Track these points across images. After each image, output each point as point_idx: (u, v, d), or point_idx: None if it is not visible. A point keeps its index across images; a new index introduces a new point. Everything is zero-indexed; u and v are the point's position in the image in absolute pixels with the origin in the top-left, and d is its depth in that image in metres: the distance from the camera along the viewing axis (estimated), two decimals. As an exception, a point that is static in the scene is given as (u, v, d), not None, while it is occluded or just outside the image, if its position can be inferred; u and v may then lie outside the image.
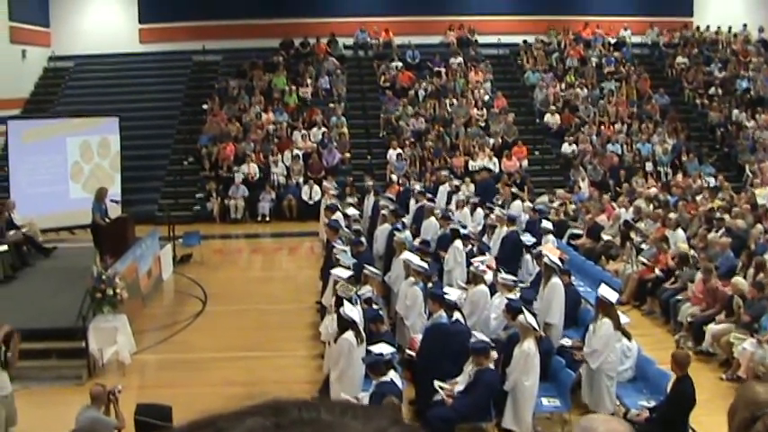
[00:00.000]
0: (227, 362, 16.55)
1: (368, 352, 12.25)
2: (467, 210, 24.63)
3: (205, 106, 35.45)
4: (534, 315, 13.79)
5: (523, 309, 13.26)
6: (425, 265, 16.48)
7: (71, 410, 11.25)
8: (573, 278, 17.48)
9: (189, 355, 17.05)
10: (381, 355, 12.01)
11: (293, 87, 36.51)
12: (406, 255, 17.29)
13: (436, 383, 12.71)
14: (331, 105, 35.57)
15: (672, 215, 22.97)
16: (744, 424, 2.11)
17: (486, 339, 13.07)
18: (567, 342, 14.88)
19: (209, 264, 24.80)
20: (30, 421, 12.81)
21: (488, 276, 16.17)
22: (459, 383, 12.64)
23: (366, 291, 15.28)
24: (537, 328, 12.70)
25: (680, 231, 21.63)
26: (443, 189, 28.22)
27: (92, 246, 20.52)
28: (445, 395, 12.52)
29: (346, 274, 15.44)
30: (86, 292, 16.48)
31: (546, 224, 21.85)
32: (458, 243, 19.02)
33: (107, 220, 20.74)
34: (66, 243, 24.52)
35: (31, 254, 22.28)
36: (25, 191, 24.68)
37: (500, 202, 25.62)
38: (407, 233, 20.63)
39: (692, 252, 19.91)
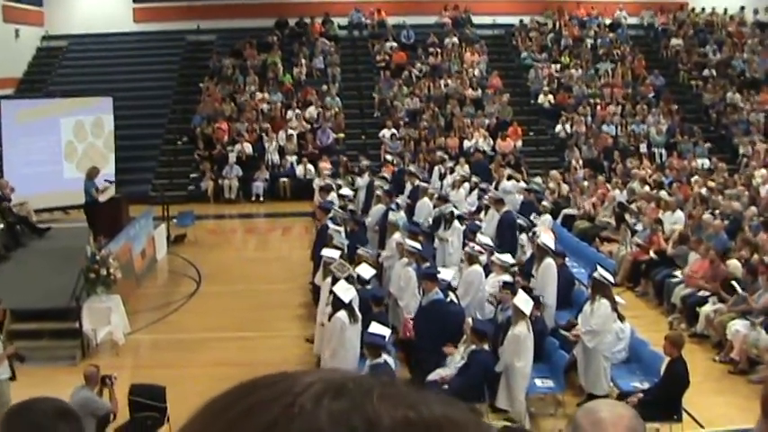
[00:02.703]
0: (220, 342, 16.56)
1: (368, 332, 12.29)
2: (462, 190, 24.61)
3: (200, 86, 35.36)
4: (531, 292, 13.82)
5: (519, 291, 13.27)
6: (418, 246, 16.47)
7: (65, 391, 11.20)
8: (567, 259, 17.47)
9: (183, 336, 17.06)
10: (383, 337, 12.04)
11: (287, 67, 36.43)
12: (398, 236, 17.30)
13: (432, 374, 12.73)
14: (325, 86, 35.49)
15: (666, 196, 22.99)
16: None
17: (485, 321, 13.11)
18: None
19: (204, 244, 24.78)
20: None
21: (483, 257, 16.16)
22: (452, 369, 12.67)
23: (365, 271, 15.22)
24: (527, 313, 12.67)
25: (679, 212, 21.61)
26: (438, 170, 28.23)
27: (86, 226, 20.46)
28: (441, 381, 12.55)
29: (336, 254, 15.44)
30: (80, 273, 16.46)
31: (545, 204, 21.88)
32: (457, 224, 19.04)
33: (101, 196, 20.61)
34: (60, 223, 24.50)
35: (25, 234, 22.24)
36: (19, 171, 24.65)
37: (494, 184, 25.67)
38: (402, 214, 20.63)
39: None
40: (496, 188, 24.91)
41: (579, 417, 2.90)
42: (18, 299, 16.64)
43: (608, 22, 40.07)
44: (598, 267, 14.35)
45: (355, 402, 0.97)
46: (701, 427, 12.33)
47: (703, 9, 40.99)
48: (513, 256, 17.25)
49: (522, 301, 12.72)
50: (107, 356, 15.48)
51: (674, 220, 21.15)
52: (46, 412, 3.03)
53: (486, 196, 22.29)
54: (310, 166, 31.31)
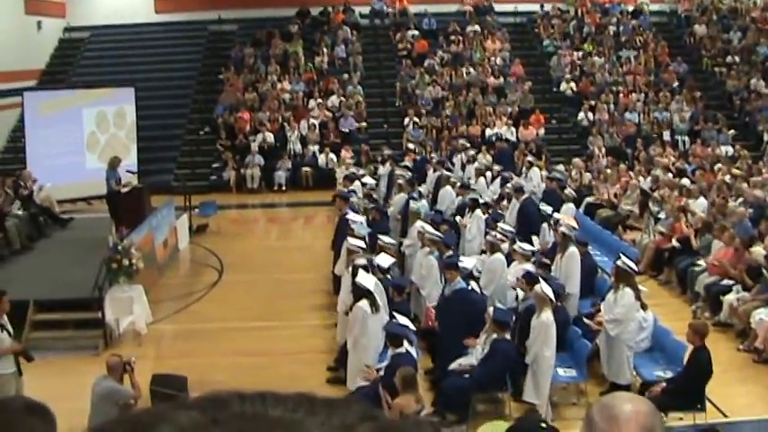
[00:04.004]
0: (242, 332, 16.58)
1: (390, 321, 12.29)
2: (484, 179, 24.56)
3: (221, 76, 35.42)
4: (553, 283, 13.74)
5: (540, 279, 13.21)
6: (440, 235, 16.43)
7: (87, 381, 11.27)
8: (590, 247, 17.40)
9: (205, 325, 17.08)
10: (407, 327, 12.03)
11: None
12: (421, 224, 17.27)
13: (453, 364, 12.71)
14: (346, 75, 35.45)
15: (688, 183, 22.87)
16: None
17: (508, 311, 13.07)
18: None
19: (226, 234, 24.82)
20: (45, 391, 12.79)
21: (505, 246, 16.10)
22: (474, 359, 12.64)
23: (384, 260, 15.19)
24: (553, 299, 12.63)
25: (701, 200, 21.47)
26: (460, 158, 28.17)
27: (108, 216, 20.52)
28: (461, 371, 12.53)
29: (360, 243, 15.42)
30: (102, 263, 16.49)
31: (568, 192, 21.80)
32: (478, 212, 18.99)
33: (122, 187, 20.67)
34: (83, 214, 24.59)
35: (48, 224, 22.36)
36: (42, 162, 24.73)
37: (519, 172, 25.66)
38: (423, 202, 20.62)
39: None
40: (519, 176, 24.86)
41: (594, 412, 2.85)
42: (41, 289, 16.75)
43: (630, 8, 39.81)
44: (621, 256, 14.28)
45: None
46: (725, 416, 12.25)
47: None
48: (533, 245, 17.19)
49: (546, 289, 12.67)
50: (129, 346, 15.49)
51: (697, 208, 21.01)
52: (16, 409, 3.02)
53: (509, 185, 22.22)
54: (332, 156, 31.31)
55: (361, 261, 14.18)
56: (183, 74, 36.11)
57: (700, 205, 21.18)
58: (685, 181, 23.47)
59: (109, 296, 16.20)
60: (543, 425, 4.04)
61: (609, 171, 26.62)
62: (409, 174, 23.43)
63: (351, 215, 18.14)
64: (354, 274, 13.64)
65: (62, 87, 31.67)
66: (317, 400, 0.97)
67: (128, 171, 21.70)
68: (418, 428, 0.99)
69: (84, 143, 26.85)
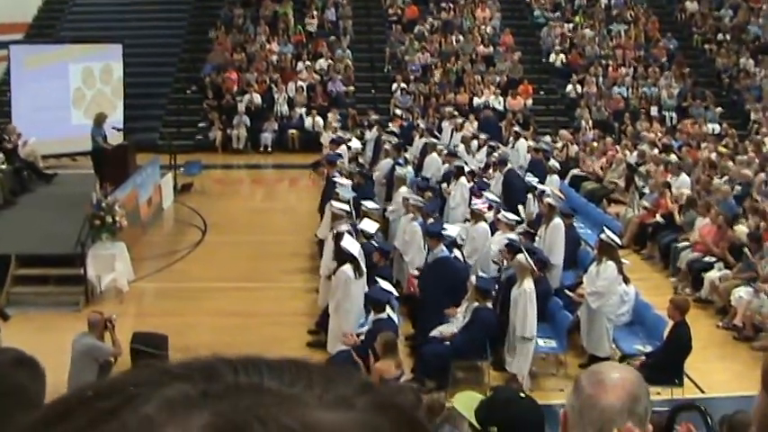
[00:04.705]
0: (224, 292, 16.58)
1: (374, 285, 12.32)
2: (470, 147, 24.53)
3: (210, 35, 35.20)
4: (535, 253, 13.77)
5: (523, 248, 13.23)
6: (424, 201, 16.43)
7: (68, 337, 11.28)
8: (574, 219, 17.43)
9: (187, 285, 17.07)
10: (389, 293, 12.06)
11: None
12: (406, 190, 17.26)
13: (434, 331, 12.74)
14: (333, 38, 35.30)
15: (674, 159, 22.90)
16: None
17: (490, 279, 13.10)
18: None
19: (210, 193, 24.76)
20: (26, 346, 12.79)
21: (489, 215, 16.13)
22: (455, 326, 12.68)
23: (367, 225, 15.21)
24: (534, 269, 12.65)
25: (684, 176, 21.50)
26: (447, 125, 28.14)
27: (92, 173, 20.44)
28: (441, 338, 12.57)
29: (345, 207, 15.42)
30: (85, 219, 16.43)
31: (553, 163, 21.81)
32: (463, 180, 18.97)
33: (108, 144, 20.59)
34: (67, 169, 24.45)
35: (32, 179, 22.23)
36: (27, 116, 24.57)
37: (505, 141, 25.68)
38: (409, 168, 20.62)
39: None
40: (506, 146, 24.90)
41: (582, 378, 2.88)
42: (23, 244, 16.71)
43: (622, -18, 39.69)
44: (605, 229, 14.32)
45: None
46: (702, 392, 12.32)
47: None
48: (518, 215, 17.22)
49: (527, 258, 12.68)
50: (111, 303, 15.47)
51: (680, 184, 21.03)
52: (4, 362, 3.01)
53: (495, 154, 22.23)
54: (319, 119, 31.20)
55: (344, 227, 14.17)
56: (172, 32, 35.81)
57: (682, 182, 21.19)
58: (673, 157, 23.48)
59: (91, 253, 16.17)
60: (522, 395, 4.05)
61: (595, 144, 26.64)
62: (396, 139, 23.39)
63: (338, 178, 18.13)
64: (337, 239, 13.65)
65: (49, 42, 31.39)
66: (315, 370, 0.90)
67: (113, 128, 21.57)
68: (403, 395, 0.96)
69: (70, 99, 26.68)
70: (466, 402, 4.05)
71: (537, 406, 3.96)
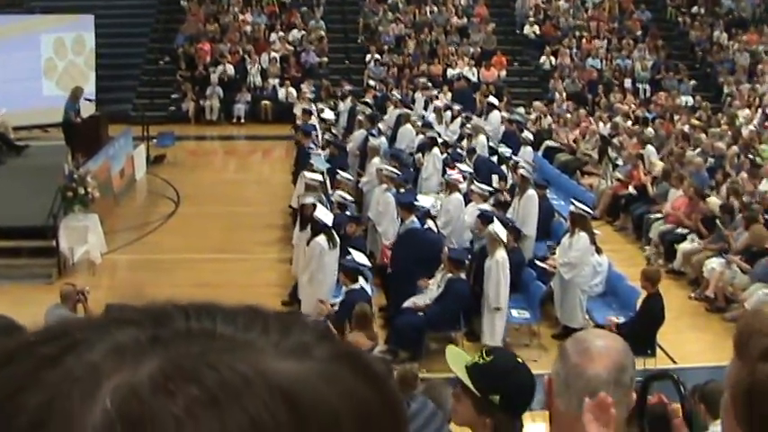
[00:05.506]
0: (198, 263, 16.55)
1: (347, 256, 12.32)
2: (443, 118, 24.50)
3: (183, 4, 34.94)
4: (509, 224, 13.81)
5: (494, 219, 13.25)
6: (397, 172, 16.43)
7: (40, 309, 11.21)
8: (547, 191, 17.47)
9: (160, 256, 17.04)
10: (363, 265, 12.07)
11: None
12: (379, 160, 17.25)
13: (407, 302, 12.75)
14: (306, 9, 35.11)
15: (648, 131, 22.97)
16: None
17: (463, 250, 13.12)
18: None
19: (183, 165, 24.66)
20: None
21: (463, 186, 16.14)
22: (428, 297, 12.70)
23: (340, 195, 15.22)
24: (505, 240, 12.67)
25: (650, 147, 21.52)
26: (420, 96, 28.11)
27: (64, 144, 20.29)
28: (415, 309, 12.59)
29: (318, 177, 15.41)
30: (57, 191, 16.34)
31: (527, 134, 21.83)
32: (436, 151, 18.94)
33: (79, 119, 20.47)
34: (39, 141, 24.24)
35: (2, 151, 22.04)
36: (-3, 87, 24.38)
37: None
38: (383, 139, 20.61)
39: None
40: (480, 117, 24.92)
41: (568, 344, 2.87)
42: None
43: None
44: (573, 201, 14.38)
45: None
46: (674, 362, 12.42)
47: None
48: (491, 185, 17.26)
49: (499, 229, 12.71)
50: (83, 275, 15.43)
51: (648, 155, 21.08)
52: None
53: (469, 125, 22.22)
54: (292, 90, 31.06)
55: (309, 200, 14.12)
56: (144, 2, 35.47)
57: (648, 153, 21.24)
58: (649, 130, 23.54)
59: (63, 225, 16.09)
60: (519, 360, 4.02)
61: (569, 116, 26.68)
62: (370, 110, 23.34)
63: (312, 149, 18.11)
64: (302, 210, 13.69)
65: (20, 12, 31.08)
66: (271, 316, 0.85)
67: (86, 99, 21.42)
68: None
69: (42, 69, 26.50)
70: (455, 358, 4.03)
71: (531, 371, 3.96)
